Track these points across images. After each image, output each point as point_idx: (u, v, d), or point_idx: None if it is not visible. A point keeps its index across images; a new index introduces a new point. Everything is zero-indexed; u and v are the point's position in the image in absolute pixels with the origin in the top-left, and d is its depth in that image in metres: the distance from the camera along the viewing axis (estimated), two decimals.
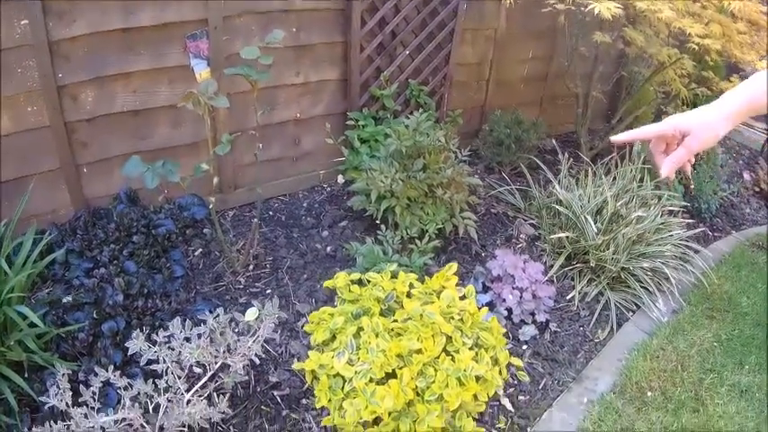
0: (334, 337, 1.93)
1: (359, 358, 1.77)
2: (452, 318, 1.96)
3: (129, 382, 1.68)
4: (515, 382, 2.26)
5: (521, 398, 2.24)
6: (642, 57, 3.37)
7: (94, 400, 1.61)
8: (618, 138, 1.09)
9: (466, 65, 3.68)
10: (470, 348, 1.91)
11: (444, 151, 2.88)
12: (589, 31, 3.23)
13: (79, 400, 1.61)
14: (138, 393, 1.69)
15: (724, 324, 2.76)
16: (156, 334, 1.76)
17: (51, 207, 2.52)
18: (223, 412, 1.80)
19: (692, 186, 3.59)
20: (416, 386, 1.77)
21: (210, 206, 2.39)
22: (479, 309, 2.07)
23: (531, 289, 2.56)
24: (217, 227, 2.46)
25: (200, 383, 1.81)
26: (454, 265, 2.18)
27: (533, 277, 2.59)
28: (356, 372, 1.73)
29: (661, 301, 2.77)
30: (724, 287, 3.01)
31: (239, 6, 2.61)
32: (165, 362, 1.73)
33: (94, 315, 2.08)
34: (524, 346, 2.47)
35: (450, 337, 1.91)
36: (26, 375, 1.87)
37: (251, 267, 2.66)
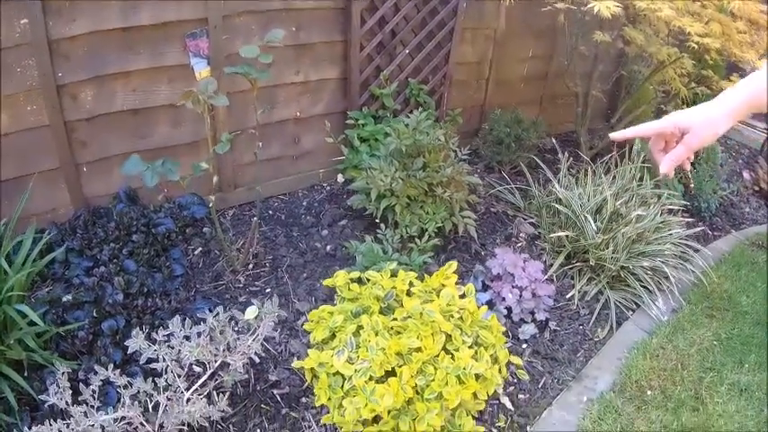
0: (333, 336, 1.93)
1: (358, 356, 1.77)
2: (452, 316, 1.97)
3: (128, 381, 1.68)
4: (515, 380, 2.26)
5: (520, 396, 2.24)
6: (642, 56, 3.37)
7: (94, 399, 1.61)
8: (617, 135, 1.10)
9: (465, 64, 3.67)
10: (470, 347, 1.91)
11: (444, 150, 2.88)
12: (589, 30, 3.23)
13: (79, 399, 1.61)
14: (138, 392, 1.69)
15: (724, 323, 2.76)
16: (156, 332, 1.76)
17: (51, 206, 2.52)
18: (223, 411, 1.80)
19: (692, 185, 3.59)
20: (416, 384, 1.78)
21: (210, 205, 2.39)
22: (479, 307, 2.07)
23: (531, 288, 2.56)
24: (216, 226, 2.46)
25: (199, 382, 1.81)
26: (454, 264, 2.19)
27: (533, 276, 2.59)
28: (356, 370, 1.74)
29: (661, 300, 2.77)
30: (724, 286, 3.01)
31: (239, 5, 2.61)
32: (164, 360, 1.73)
33: (94, 314, 2.08)
34: (524, 345, 2.47)
35: (450, 336, 1.91)
36: (26, 374, 1.87)
37: (251, 266, 2.66)
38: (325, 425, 1.97)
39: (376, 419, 1.78)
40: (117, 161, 2.55)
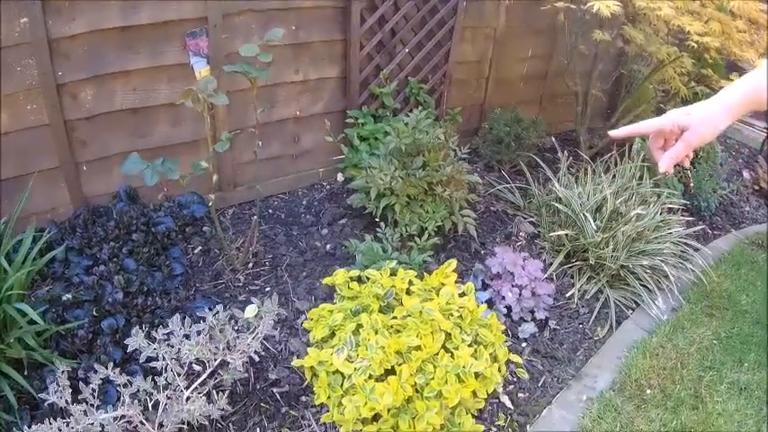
0: (333, 334, 1.93)
1: (358, 355, 1.77)
2: (451, 315, 1.97)
3: (128, 380, 1.68)
4: (515, 379, 2.26)
5: (520, 395, 2.24)
6: (642, 55, 3.37)
7: (94, 398, 1.61)
8: (616, 132, 1.10)
9: (465, 63, 3.67)
10: (469, 345, 1.91)
11: (444, 149, 2.88)
12: (589, 29, 3.23)
13: (79, 398, 1.61)
14: (138, 390, 1.69)
15: (723, 322, 2.76)
16: (156, 331, 1.76)
17: (51, 205, 2.52)
18: (222, 409, 1.81)
19: (692, 184, 3.59)
20: (415, 383, 1.78)
21: (210, 204, 2.39)
22: (478, 306, 2.07)
23: (531, 286, 2.56)
24: (216, 225, 2.46)
25: (199, 380, 1.81)
26: (453, 262, 2.19)
27: (533, 275, 2.59)
28: (355, 368, 1.74)
29: (660, 299, 2.77)
30: (723, 285, 3.01)
31: (239, 4, 2.61)
32: (164, 359, 1.74)
33: (94, 312, 2.08)
34: (524, 344, 2.48)
35: (450, 334, 1.91)
36: (26, 373, 1.87)
37: (250, 265, 2.66)
38: (324, 423, 1.97)
39: (375, 418, 1.78)
40: (117, 160, 2.55)
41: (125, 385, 1.67)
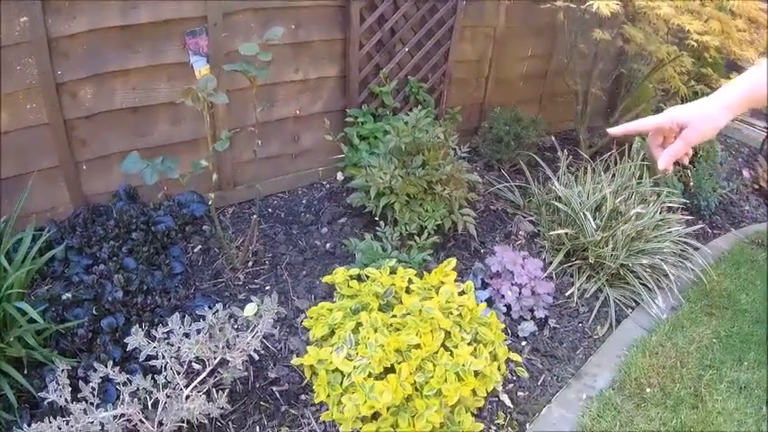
0: (332, 333, 1.94)
1: (357, 353, 1.77)
2: (451, 313, 1.97)
3: (128, 378, 1.68)
4: (514, 378, 2.27)
5: (520, 394, 2.24)
6: (641, 54, 3.38)
7: (94, 396, 1.61)
8: (615, 130, 1.10)
9: (465, 62, 3.67)
10: (469, 344, 1.91)
11: (443, 148, 2.88)
12: (588, 28, 3.23)
13: (78, 396, 1.61)
14: (138, 389, 1.69)
15: (723, 321, 2.76)
16: (156, 330, 1.76)
17: (50, 204, 2.52)
18: (222, 408, 1.81)
19: (692, 183, 3.60)
20: (415, 381, 1.78)
21: (210, 203, 2.39)
22: (478, 304, 2.07)
23: (530, 285, 2.56)
24: (216, 224, 2.46)
25: (199, 379, 1.81)
26: (453, 261, 2.19)
27: (532, 274, 2.59)
28: (355, 367, 1.74)
29: (660, 298, 2.77)
30: (723, 284, 3.02)
31: (239, 3, 2.61)
32: (164, 358, 1.74)
33: (94, 311, 2.08)
34: (523, 343, 2.48)
35: (449, 333, 1.92)
36: (25, 371, 1.87)
37: (250, 264, 2.66)
38: (324, 422, 1.97)
39: (375, 416, 1.78)
40: (116, 159, 2.55)
41: (125, 384, 1.67)
